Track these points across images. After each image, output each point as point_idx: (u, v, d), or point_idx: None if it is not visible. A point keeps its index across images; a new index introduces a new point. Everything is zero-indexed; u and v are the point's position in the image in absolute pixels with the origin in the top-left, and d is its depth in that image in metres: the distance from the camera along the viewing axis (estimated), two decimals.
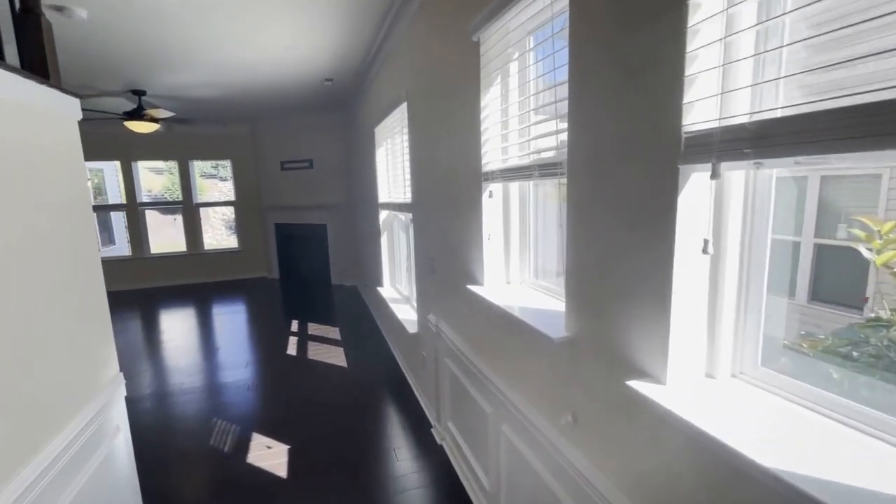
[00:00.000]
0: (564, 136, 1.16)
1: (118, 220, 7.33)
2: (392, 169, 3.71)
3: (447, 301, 2.30)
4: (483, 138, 1.64)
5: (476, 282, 1.82)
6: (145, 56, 3.59)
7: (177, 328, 5.04)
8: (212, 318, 5.42)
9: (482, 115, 1.63)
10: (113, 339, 1.81)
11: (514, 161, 1.55)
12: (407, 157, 2.92)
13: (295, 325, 4.83)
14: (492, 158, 1.64)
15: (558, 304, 1.43)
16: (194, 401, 3.15)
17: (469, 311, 1.96)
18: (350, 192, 6.47)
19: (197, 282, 7.24)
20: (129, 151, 6.75)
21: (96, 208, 6.87)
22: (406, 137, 2.91)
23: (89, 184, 8.12)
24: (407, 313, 3.41)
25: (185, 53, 3.55)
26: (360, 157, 5.22)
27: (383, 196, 4.12)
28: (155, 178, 14.42)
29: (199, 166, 18.09)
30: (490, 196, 1.65)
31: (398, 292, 4.07)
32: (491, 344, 1.76)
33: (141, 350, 4.31)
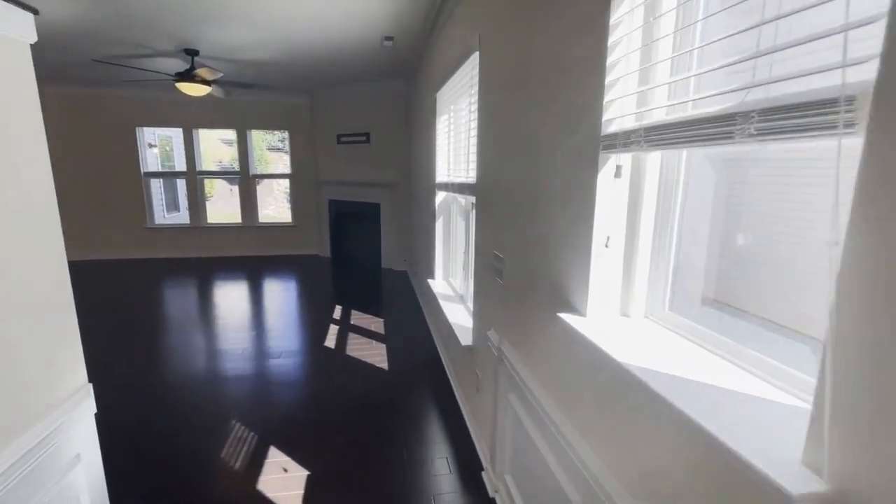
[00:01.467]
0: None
1: (183, 187, 7.39)
2: (454, 142, 3.11)
3: (517, 320, 1.69)
4: (609, 77, 0.98)
5: (571, 308, 1.20)
6: (193, 5, 3.23)
7: (218, 304, 4.85)
8: (257, 295, 5.20)
9: (610, 40, 0.97)
10: (80, 341, 1.39)
11: (662, 115, 0.90)
12: (473, 125, 2.30)
13: (338, 312, 4.45)
14: (622, 111, 0.99)
15: (734, 372, 0.79)
16: (212, 394, 2.81)
17: (552, 347, 1.34)
18: (407, 169, 5.96)
19: (250, 254, 7.16)
20: (190, 119, 6.68)
21: (158, 174, 6.93)
22: (474, 99, 2.29)
23: (156, 150, 8.29)
24: (461, 317, 2.84)
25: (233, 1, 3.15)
26: (419, 131, 4.67)
27: (441, 175, 3.54)
28: (226, 148, 14.90)
29: (266, 138, 18.61)
30: (617, 175, 1.01)
31: (452, 288, 3.51)
32: (587, 407, 1.13)
33: (175, 325, 4.12)
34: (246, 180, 7.01)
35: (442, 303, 3.13)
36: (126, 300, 4.89)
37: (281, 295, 5.18)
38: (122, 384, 2.92)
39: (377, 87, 5.92)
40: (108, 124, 6.46)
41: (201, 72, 4.06)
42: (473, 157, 2.35)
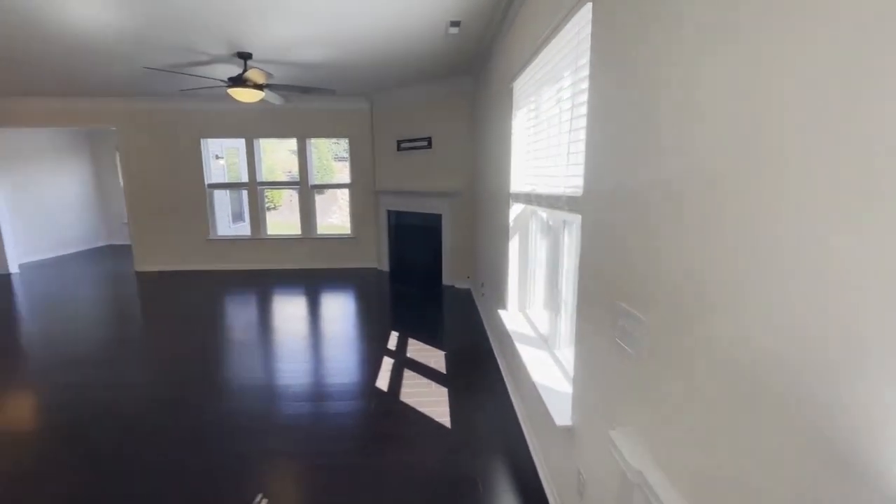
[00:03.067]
0: None
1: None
2: (538, 142, 2.42)
3: (677, 423, 0.97)
4: None
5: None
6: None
7: (264, 325, 4.49)
8: (308, 316, 4.80)
9: None
10: None
11: None
12: (581, 115, 1.60)
13: (394, 340, 3.90)
14: None
15: None
16: (224, 436, 2.32)
17: None
18: (472, 177, 5.34)
19: (308, 267, 6.90)
20: (251, 128, 6.56)
21: (221, 185, 6.89)
22: (582, 76, 1.59)
23: (222, 162, 8.38)
24: (548, 374, 2.12)
25: None
26: (487, 133, 4.02)
27: (518, 183, 2.86)
28: (294, 158, 15.30)
29: (332, 148, 18.91)
30: None
31: (530, 324, 2.80)
32: None
33: (213, 350, 3.77)
34: (305, 191, 6.77)
35: (520, 348, 2.43)
36: (172, 314, 4.70)
37: (334, 315, 4.74)
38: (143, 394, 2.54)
39: (440, 86, 5.37)
40: (176, 137, 6.50)
41: (251, 73, 3.72)
42: (575, 160, 1.65)
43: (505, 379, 3.10)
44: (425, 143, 5.68)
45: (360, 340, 3.94)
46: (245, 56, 4.08)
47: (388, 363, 3.42)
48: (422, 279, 6.03)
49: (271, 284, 6.00)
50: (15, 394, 3.04)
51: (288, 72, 4.78)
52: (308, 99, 6.33)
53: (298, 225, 6.88)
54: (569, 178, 1.78)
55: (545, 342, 2.46)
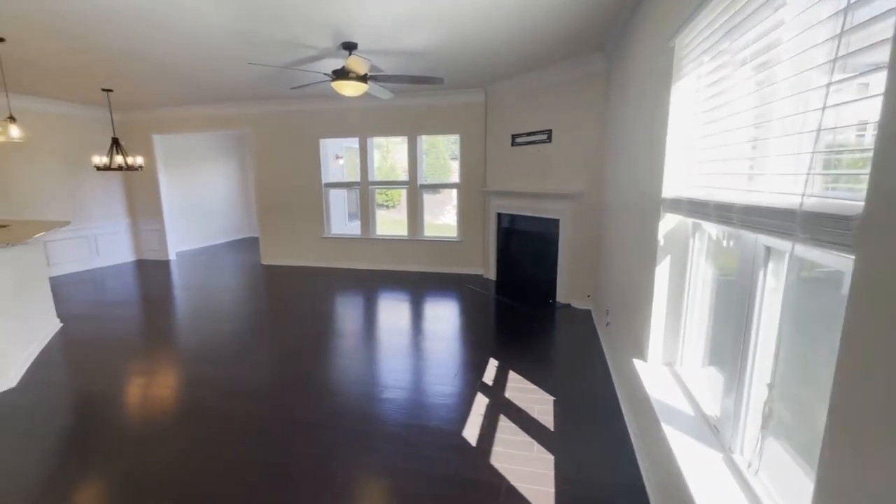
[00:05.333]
0: None
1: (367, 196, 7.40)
2: (719, 124, 1.55)
3: None
4: None
5: None
6: None
7: (356, 334, 4.18)
8: (403, 326, 4.40)
9: None
10: None
11: None
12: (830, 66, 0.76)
13: (492, 370, 3.26)
14: None
15: None
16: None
17: None
18: (600, 177, 4.41)
19: (414, 270, 6.62)
20: (364, 127, 6.48)
21: (337, 184, 6.97)
22: None
23: (341, 161, 8.60)
24: (724, 493, 1.27)
25: None
26: (624, 119, 3.12)
27: (675, 186, 1.99)
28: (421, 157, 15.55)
29: (450, 147, 18.91)
30: None
31: (683, 392, 1.91)
32: None
33: (293, 358, 3.53)
34: (414, 190, 6.49)
35: (669, 435, 1.59)
36: (279, 305, 4.71)
37: (430, 329, 4.26)
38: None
39: (564, 69, 4.54)
40: (297, 137, 6.74)
41: (351, 62, 3.40)
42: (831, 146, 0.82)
43: (639, 461, 2.24)
44: (544, 137, 4.90)
45: (453, 366, 3.38)
46: (350, 47, 3.81)
47: (481, 403, 2.79)
48: (532, 293, 5.27)
49: (375, 286, 5.82)
50: (165, 355, 3.37)
51: (394, 62, 4.43)
52: (419, 94, 6.01)
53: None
54: (799, 175, 0.94)
55: (714, 432, 1.58)
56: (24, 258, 3.65)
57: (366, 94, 5.02)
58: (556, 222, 4.87)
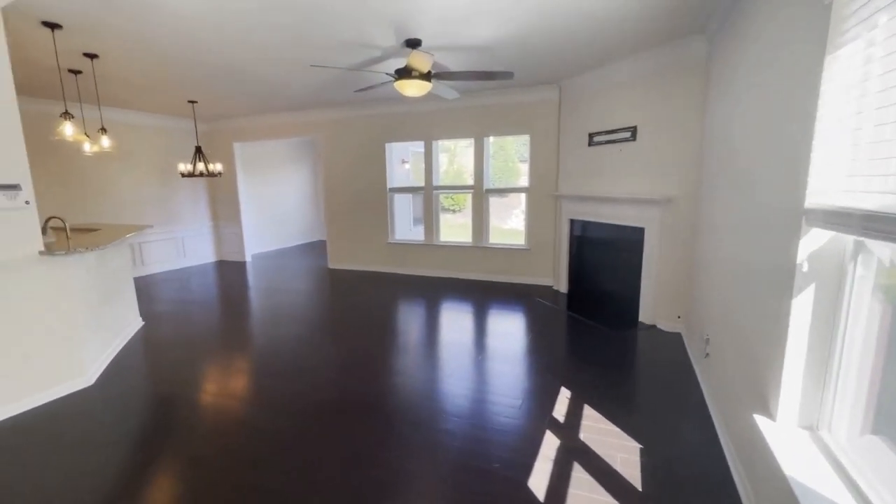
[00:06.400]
0: None
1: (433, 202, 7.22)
2: None
3: None
4: None
5: None
6: None
7: (416, 342, 3.92)
8: (466, 339, 4.08)
9: None
10: None
11: None
12: None
13: (563, 402, 2.83)
14: None
15: None
16: None
17: None
18: (697, 179, 3.79)
19: (478, 278, 6.30)
20: (430, 130, 6.29)
21: (401, 189, 6.85)
22: None
23: (408, 166, 8.51)
24: None
25: None
26: (741, 109, 2.55)
27: (824, 193, 1.47)
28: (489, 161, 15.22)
29: (519, 150, 18.36)
30: None
31: (836, 469, 1.39)
32: None
33: (358, 360, 3.33)
34: (479, 195, 6.17)
35: None
36: (335, 313, 4.62)
37: (493, 347, 3.90)
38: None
39: (653, 57, 3.98)
40: (364, 142, 6.72)
41: (413, 58, 3.17)
42: None
43: None
44: (627, 135, 4.35)
45: (517, 393, 3.00)
46: (414, 44, 3.59)
47: (551, 444, 2.39)
48: (609, 310, 4.71)
49: (437, 295, 5.58)
50: (234, 357, 3.46)
51: (460, 59, 4.15)
52: (486, 94, 5.69)
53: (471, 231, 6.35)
54: None
55: None
56: (110, 260, 3.86)
57: (431, 96, 4.84)
58: (640, 231, 4.29)
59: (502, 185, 11.76)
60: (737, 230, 2.43)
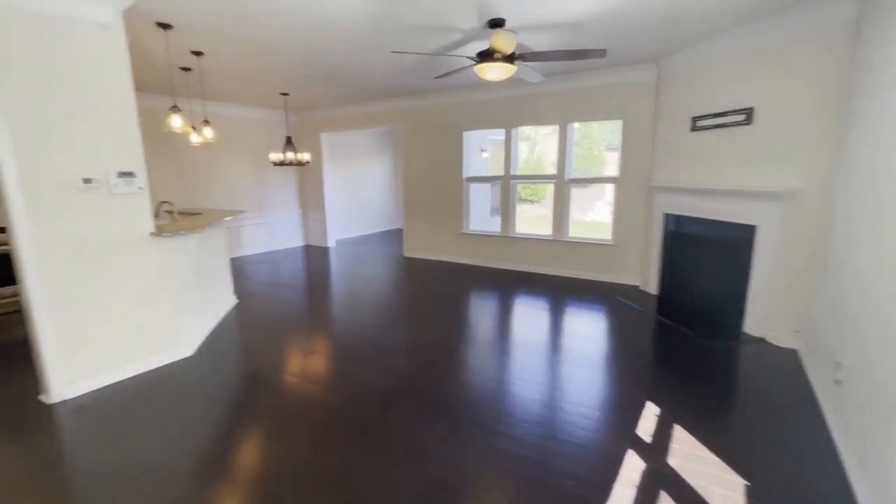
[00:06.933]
0: None
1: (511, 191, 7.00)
2: None
3: None
4: None
5: None
6: None
7: (489, 341, 3.77)
8: (540, 338, 3.86)
9: None
10: None
11: None
12: None
13: (649, 418, 2.53)
14: None
15: None
16: None
17: None
18: (830, 171, 3.16)
19: (557, 274, 5.99)
20: (510, 116, 6.04)
21: (478, 179, 6.70)
22: None
23: (486, 155, 8.31)
24: None
25: None
26: None
27: None
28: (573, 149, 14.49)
29: (606, 138, 17.27)
30: None
31: None
32: None
33: (428, 350, 3.27)
34: (561, 185, 5.82)
35: None
36: (409, 301, 4.62)
37: (569, 348, 3.63)
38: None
39: (776, 26, 3.37)
40: (442, 131, 6.66)
41: (496, 39, 2.98)
42: None
43: None
44: (741, 118, 3.76)
45: (594, 403, 2.74)
46: (497, 24, 3.39)
47: (633, 466, 2.13)
48: (707, 316, 4.18)
49: (512, 289, 5.39)
50: (313, 335, 3.63)
51: (546, 38, 3.87)
52: (573, 76, 5.30)
53: (551, 223, 6.03)
54: None
55: None
56: (209, 242, 4.21)
57: (512, 80, 4.59)
58: (750, 229, 3.72)
59: (586, 175, 11.08)
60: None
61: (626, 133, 5.26)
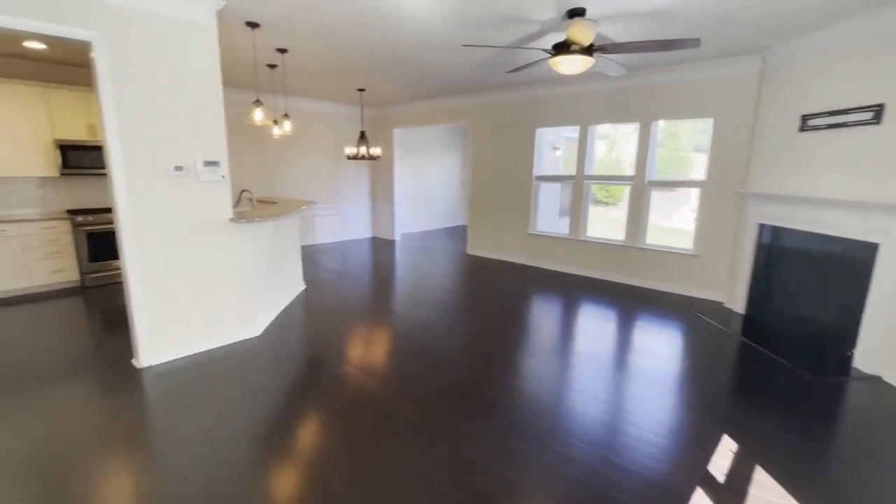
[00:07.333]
0: None
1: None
2: None
3: None
4: None
5: None
6: None
7: (550, 350, 3.57)
8: (605, 350, 3.59)
9: None
10: None
11: None
12: None
13: (724, 454, 2.24)
14: None
15: None
16: None
17: None
18: None
19: (629, 283, 5.59)
20: (586, 113, 5.71)
21: (548, 178, 6.43)
22: None
23: (559, 153, 7.98)
24: None
25: None
26: None
27: None
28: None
29: (694, 138, 15.88)
30: None
31: None
32: None
33: (484, 354, 3.16)
34: (639, 188, 5.41)
35: None
36: (469, 301, 4.53)
37: (636, 365, 3.34)
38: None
39: None
40: (513, 128, 6.48)
41: (574, 30, 2.79)
42: None
43: None
44: (868, 116, 3.20)
45: (659, 427, 2.48)
46: (577, 14, 3.18)
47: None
48: (806, 344, 3.64)
49: (578, 296, 5.11)
50: (373, 324, 3.77)
51: (631, 29, 3.57)
52: (658, 70, 4.89)
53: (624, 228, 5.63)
54: None
55: None
56: (282, 230, 4.45)
57: (589, 75, 4.33)
58: (870, 247, 3.17)
59: (669, 178, 10.26)
60: None
61: (717, 132, 4.74)
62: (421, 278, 5.90)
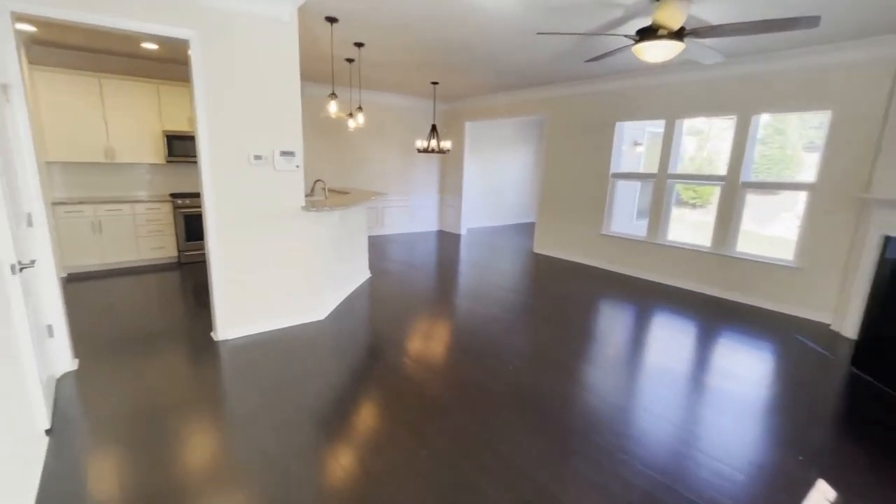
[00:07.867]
0: None
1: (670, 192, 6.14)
2: None
3: None
4: None
5: None
6: None
7: (615, 364, 3.31)
8: (679, 369, 3.26)
9: None
10: None
11: None
12: None
13: (818, 501, 1.92)
14: None
15: None
16: None
17: None
18: None
19: (714, 294, 5.07)
20: (673, 106, 5.23)
21: (626, 175, 6.00)
22: None
23: (640, 149, 7.42)
24: None
25: None
26: None
27: None
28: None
29: (807, 135, 14.04)
30: None
31: None
32: None
33: (542, 363, 3.00)
34: (732, 189, 4.85)
35: None
36: (533, 302, 4.35)
37: (715, 388, 2.99)
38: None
39: None
40: (591, 121, 6.12)
41: (661, 12, 2.52)
42: None
43: None
44: None
45: (739, 466, 2.18)
46: None
47: None
48: None
49: (653, 306, 4.72)
50: (434, 317, 3.84)
51: (726, 9, 3.16)
52: (760, 56, 4.32)
53: (710, 233, 5.09)
54: None
55: None
56: (351, 219, 4.60)
57: (678, 63, 3.93)
58: None
59: (770, 179, 9.14)
60: None
61: (835, 127, 4.09)
62: (484, 274, 5.81)
